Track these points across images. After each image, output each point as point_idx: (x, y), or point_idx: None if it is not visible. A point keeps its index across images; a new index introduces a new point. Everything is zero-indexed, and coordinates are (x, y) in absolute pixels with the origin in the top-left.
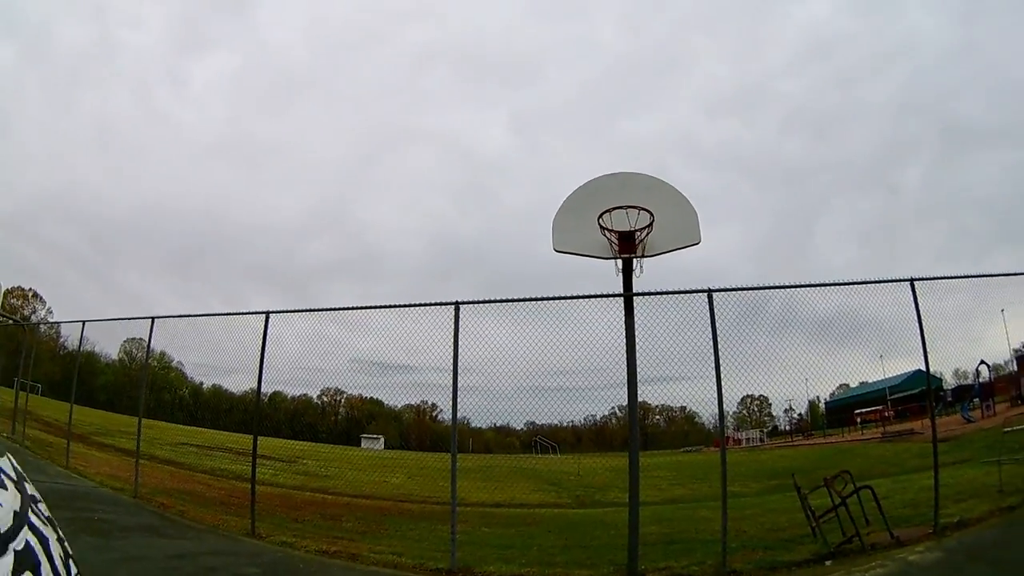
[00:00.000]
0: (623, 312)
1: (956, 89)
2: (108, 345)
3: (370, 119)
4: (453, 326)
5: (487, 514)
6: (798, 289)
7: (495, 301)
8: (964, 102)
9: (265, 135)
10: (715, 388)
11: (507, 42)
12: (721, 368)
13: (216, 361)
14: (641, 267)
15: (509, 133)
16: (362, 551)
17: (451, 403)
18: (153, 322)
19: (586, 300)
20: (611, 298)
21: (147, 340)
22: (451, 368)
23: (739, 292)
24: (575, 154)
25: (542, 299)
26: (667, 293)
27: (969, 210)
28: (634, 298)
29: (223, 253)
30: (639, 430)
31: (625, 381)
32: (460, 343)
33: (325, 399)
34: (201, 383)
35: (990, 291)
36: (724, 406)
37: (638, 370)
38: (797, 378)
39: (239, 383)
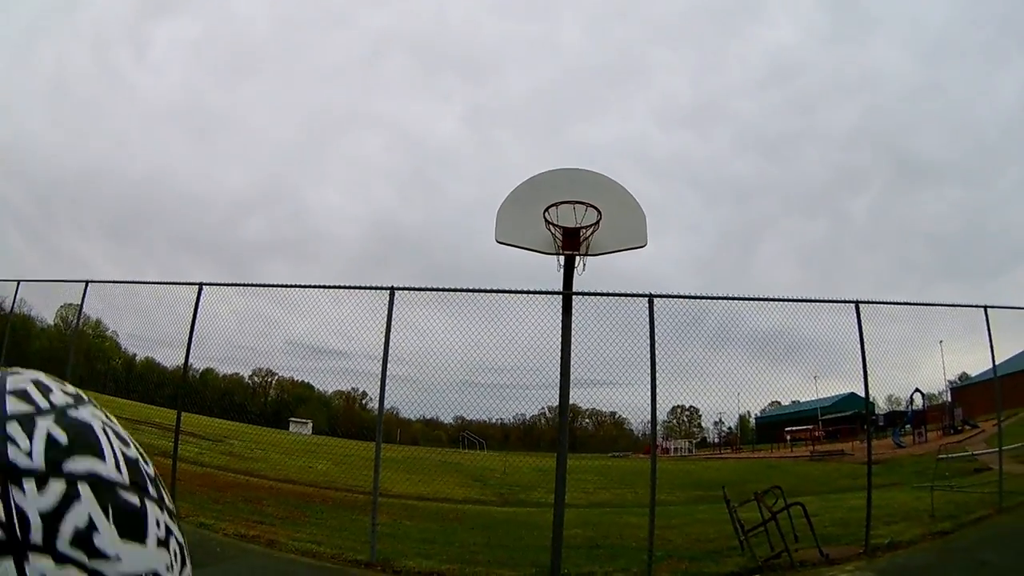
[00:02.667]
0: (560, 310)
1: (914, 124)
2: (44, 309)
3: (323, 100)
4: (387, 312)
5: (410, 507)
6: (739, 305)
7: (432, 289)
8: (921, 137)
9: (217, 106)
10: (649, 395)
11: (469, 35)
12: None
13: (149, 332)
14: (584, 265)
15: (461, 126)
16: (281, 537)
17: (380, 392)
18: (87, 286)
19: (523, 296)
20: (549, 296)
21: (79, 304)
22: (382, 356)
23: (679, 301)
24: (526, 153)
25: (480, 291)
26: (608, 295)
27: (915, 242)
28: (573, 298)
29: (163, 221)
30: (568, 432)
31: (557, 382)
32: (393, 331)
33: (256, 379)
34: (135, 355)
35: (930, 322)
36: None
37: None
38: (730, 392)
39: (171, 357)
